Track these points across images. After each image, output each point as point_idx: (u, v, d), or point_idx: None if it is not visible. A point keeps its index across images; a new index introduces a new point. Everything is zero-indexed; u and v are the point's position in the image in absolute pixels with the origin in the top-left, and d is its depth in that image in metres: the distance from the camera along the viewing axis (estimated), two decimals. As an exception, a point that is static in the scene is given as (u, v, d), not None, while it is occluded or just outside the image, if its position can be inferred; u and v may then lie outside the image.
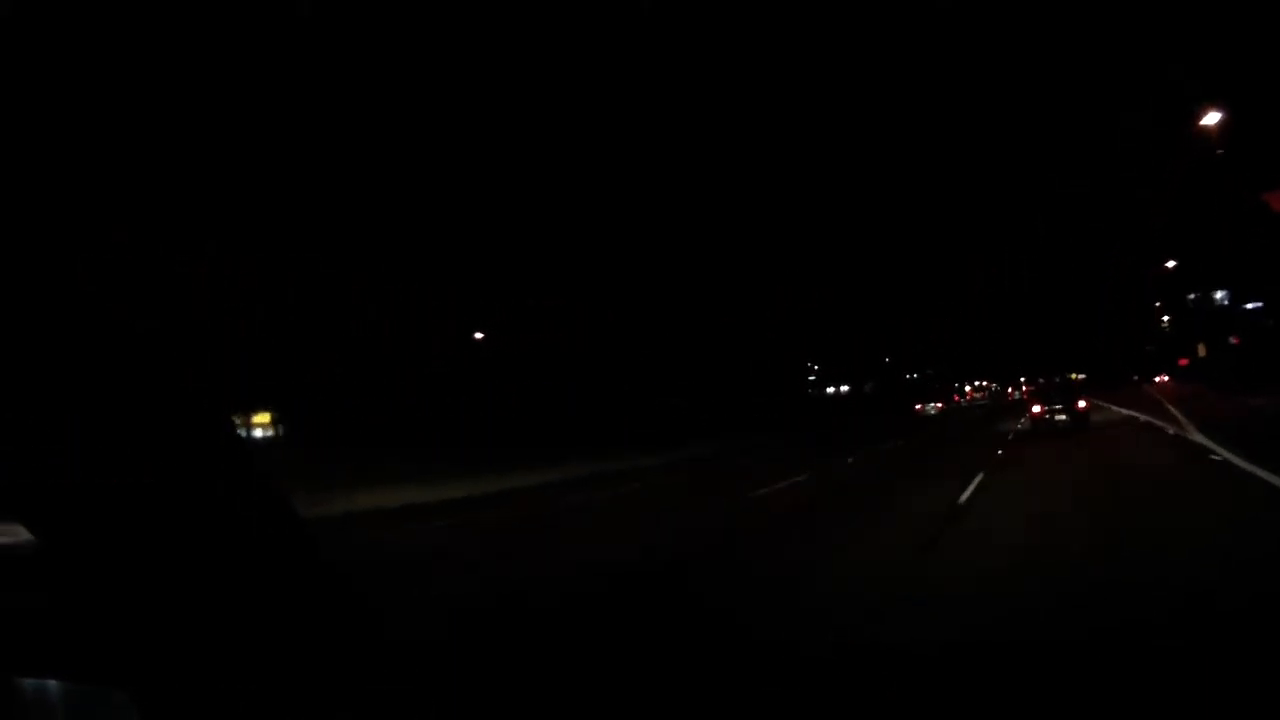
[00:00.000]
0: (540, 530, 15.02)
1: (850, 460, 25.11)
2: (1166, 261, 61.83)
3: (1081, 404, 31.32)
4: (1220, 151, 33.57)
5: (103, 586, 1.12)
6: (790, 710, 2.32)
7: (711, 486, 21.16)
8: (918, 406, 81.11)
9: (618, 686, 2.91)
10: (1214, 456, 14.86)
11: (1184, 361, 63.40)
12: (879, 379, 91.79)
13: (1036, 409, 32.56)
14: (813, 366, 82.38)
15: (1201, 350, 57.62)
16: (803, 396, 75.71)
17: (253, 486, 1.11)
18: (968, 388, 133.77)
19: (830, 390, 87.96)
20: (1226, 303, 66.23)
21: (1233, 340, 55.09)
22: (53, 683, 1.63)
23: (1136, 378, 79.31)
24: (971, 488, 14.20)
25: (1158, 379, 70.58)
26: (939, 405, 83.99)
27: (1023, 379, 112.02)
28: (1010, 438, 30.26)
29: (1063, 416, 30.86)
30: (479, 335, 44.20)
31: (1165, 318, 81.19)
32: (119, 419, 0.98)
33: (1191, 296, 71.60)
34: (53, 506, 1.01)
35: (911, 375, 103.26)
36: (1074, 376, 76.96)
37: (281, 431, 40.98)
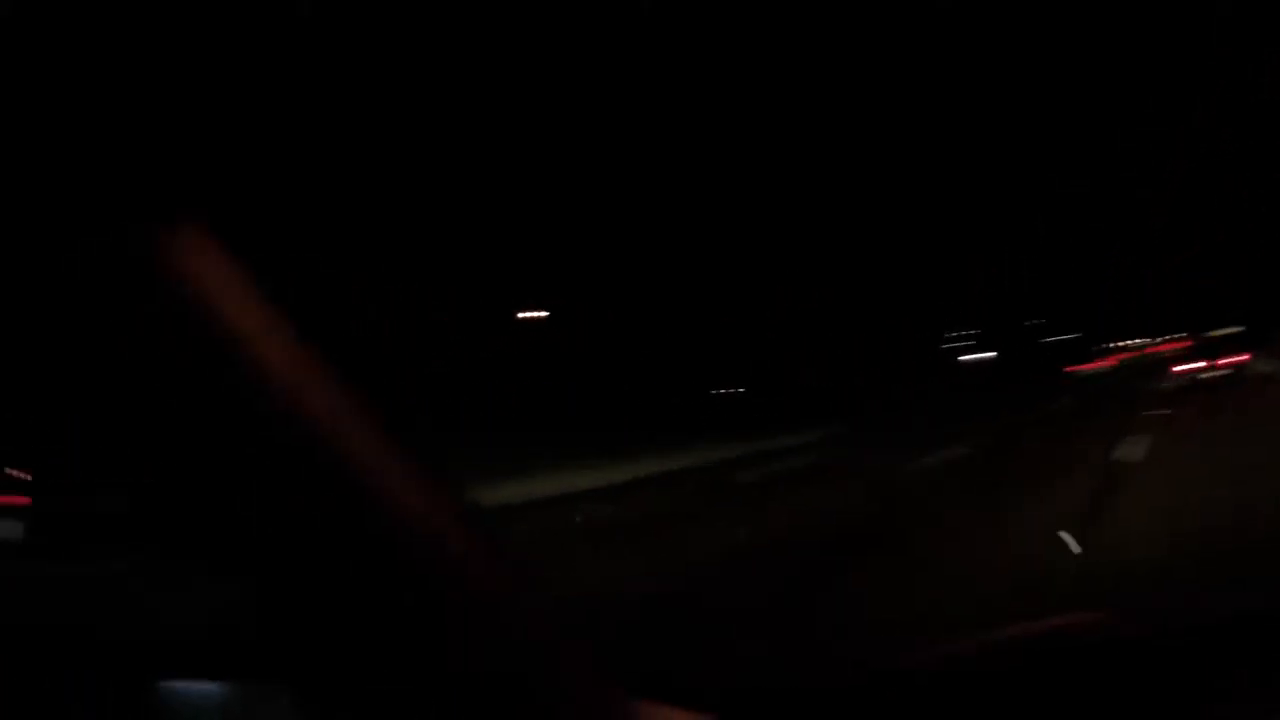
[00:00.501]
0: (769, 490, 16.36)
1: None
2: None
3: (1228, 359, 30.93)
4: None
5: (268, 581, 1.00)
6: None
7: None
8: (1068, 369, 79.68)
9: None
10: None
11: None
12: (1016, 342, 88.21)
13: (1185, 366, 32.15)
14: (948, 335, 79.54)
15: None
16: (942, 365, 73.96)
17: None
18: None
19: (966, 359, 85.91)
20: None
21: None
22: (208, 685, 1.59)
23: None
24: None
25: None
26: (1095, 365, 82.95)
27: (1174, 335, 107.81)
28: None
29: (1211, 374, 29.95)
30: (541, 314, 42.38)
31: None
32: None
33: None
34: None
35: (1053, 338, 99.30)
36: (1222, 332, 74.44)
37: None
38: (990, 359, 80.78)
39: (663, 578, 8.32)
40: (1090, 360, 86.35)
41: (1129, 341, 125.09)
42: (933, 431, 24.23)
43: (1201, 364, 31.34)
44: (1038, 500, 10.75)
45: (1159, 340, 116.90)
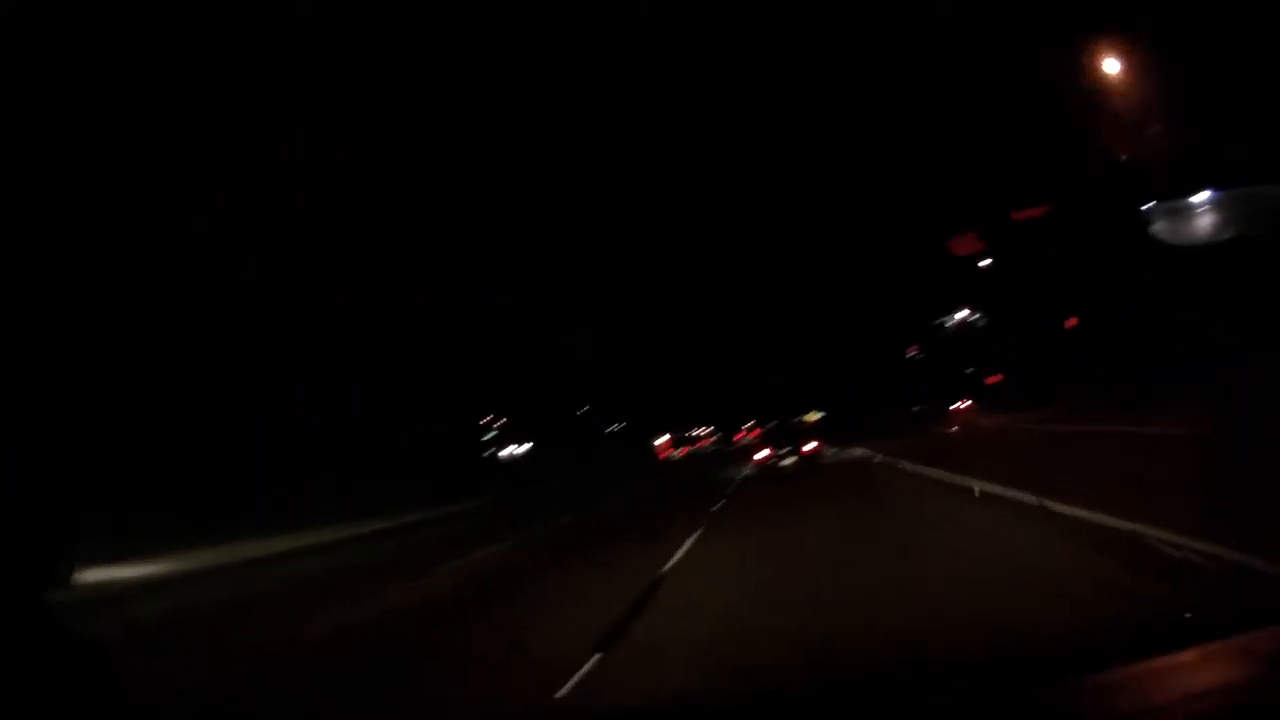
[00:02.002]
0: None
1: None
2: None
3: (809, 447, 30.11)
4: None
5: None
6: None
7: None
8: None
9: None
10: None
11: (995, 379, 55.71)
12: (568, 434, 76.37)
13: (764, 454, 31.77)
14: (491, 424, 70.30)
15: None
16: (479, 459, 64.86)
17: None
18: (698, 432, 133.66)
19: (508, 452, 73.58)
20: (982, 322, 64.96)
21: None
22: None
23: (918, 408, 67.61)
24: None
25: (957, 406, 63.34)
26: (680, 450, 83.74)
27: (752, 422, 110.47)
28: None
29: (791, 460, 30.47)
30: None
31: (911, 349, 78.32)
32: None
33: (939, 322, 69.99)
34: None
35: (612, 428, 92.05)
36: (808, 419, 77.46)
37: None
38: (528, 451, 72.50)
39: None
40: (655, 451, 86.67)
41: (699, 431, 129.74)
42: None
43: (779, 452, 32.23)
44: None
45: (735, 429, 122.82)
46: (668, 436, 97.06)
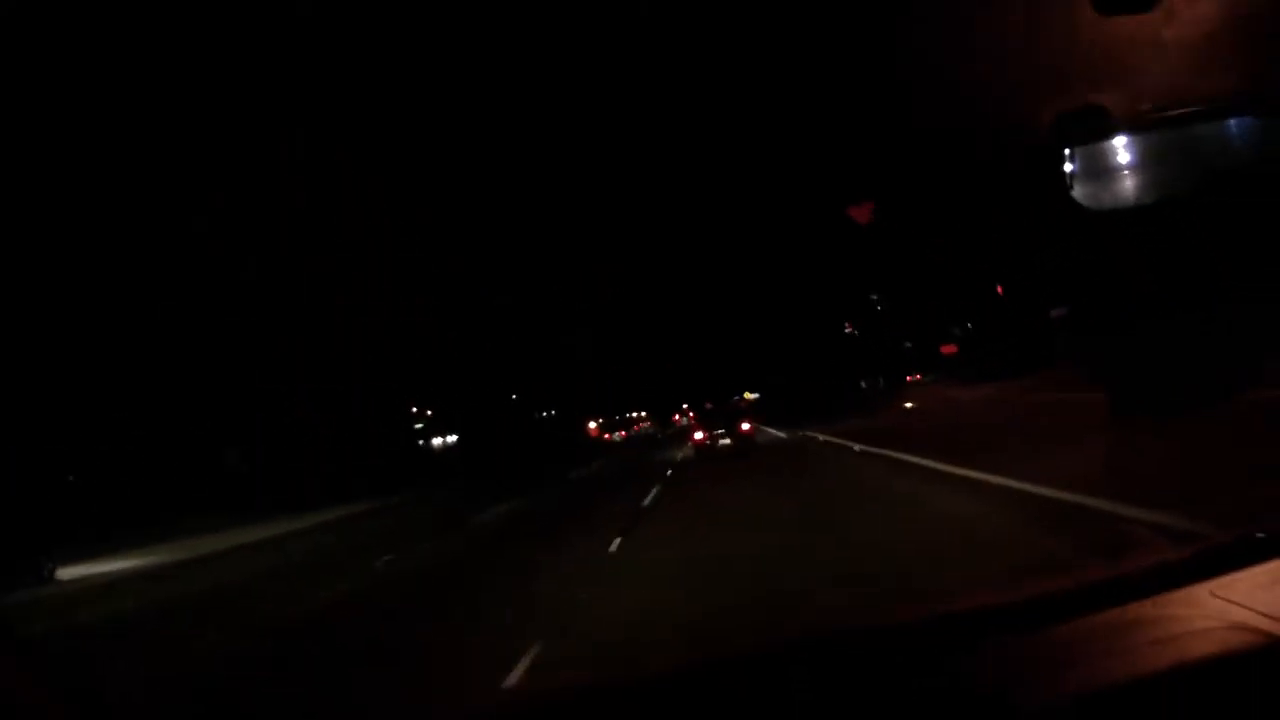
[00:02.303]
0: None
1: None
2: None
3: (745, 427, 30.12)
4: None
5: None
6: None
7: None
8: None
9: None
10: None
11: (950, 349, 52.44)
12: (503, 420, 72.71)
13: (699, 435, 31.91)
14: (419, 413, 67.99)
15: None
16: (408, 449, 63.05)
17: None
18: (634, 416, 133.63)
19: (439, 441, 71.17)
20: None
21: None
22: None
23: (866, 384, 64.78)
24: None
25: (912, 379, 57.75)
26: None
27: (685, 405, 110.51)
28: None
29: (727, 441, 30.62)
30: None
31: (848, 325, 77.14)
32: None
33: (874, 297, 68.87)
34: None
35: (545, 413, 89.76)
36: (745, 398, 77.74)
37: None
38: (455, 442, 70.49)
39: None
40: (587, 435, 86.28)
41: (636, 414, 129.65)
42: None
43: (714, 433, 32.42)
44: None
45: (672, 413, 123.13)
46: (598, 423, 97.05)
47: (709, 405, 59.42)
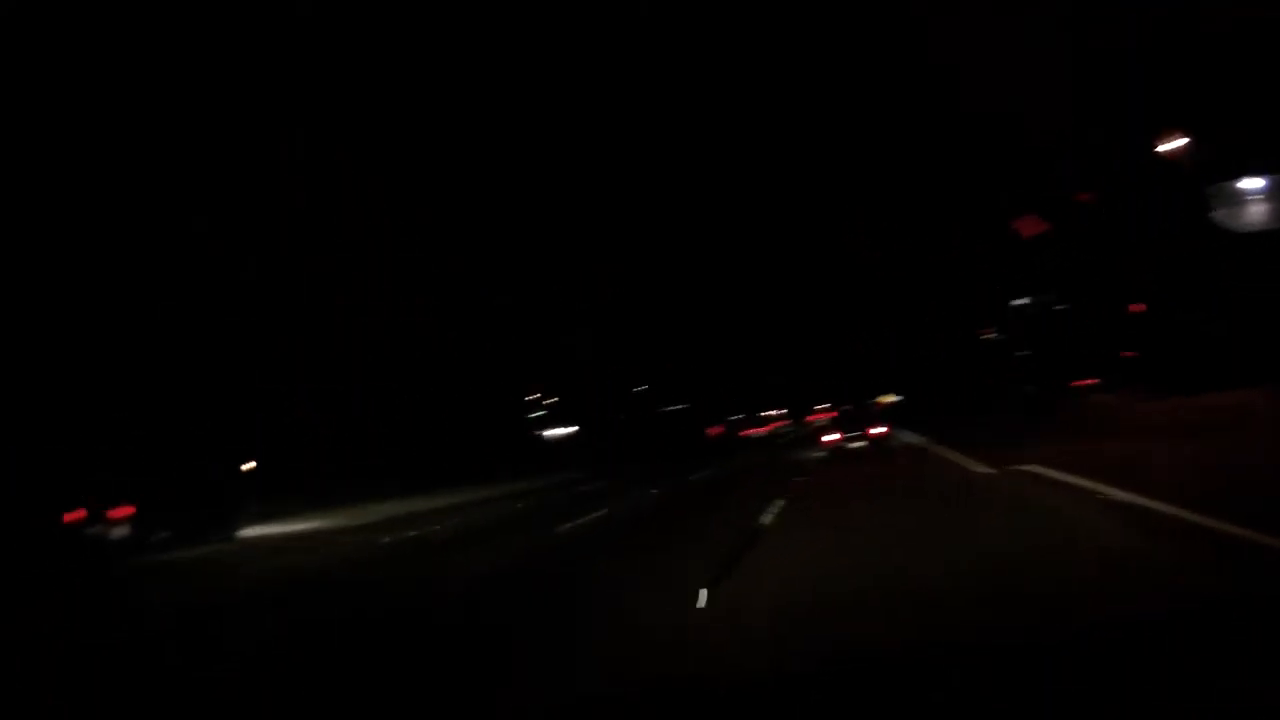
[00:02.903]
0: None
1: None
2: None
3: (878, 430, 31.14)
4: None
5: None
6: None
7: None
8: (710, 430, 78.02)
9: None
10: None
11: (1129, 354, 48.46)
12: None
13: (832, 436, 31.62)
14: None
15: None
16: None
17: None
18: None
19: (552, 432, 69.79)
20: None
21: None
22: None
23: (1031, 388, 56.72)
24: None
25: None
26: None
27: (827, 404, 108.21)
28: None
29: (860, 444, 30.65)
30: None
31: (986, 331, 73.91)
32: None
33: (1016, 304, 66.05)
34: None
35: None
36: (882, 400, 75.83)
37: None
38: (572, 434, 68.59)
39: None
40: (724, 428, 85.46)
41: (773, 412, 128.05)
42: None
43: (848, 435, 32.18)
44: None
45: (808, 410, 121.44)
46: (732, 419, 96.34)
47: (847, 407, 59.09)
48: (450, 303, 52.43)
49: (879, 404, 68.12)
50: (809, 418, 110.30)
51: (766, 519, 14.12)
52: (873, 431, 31.16)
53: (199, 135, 37.92)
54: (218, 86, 37.16)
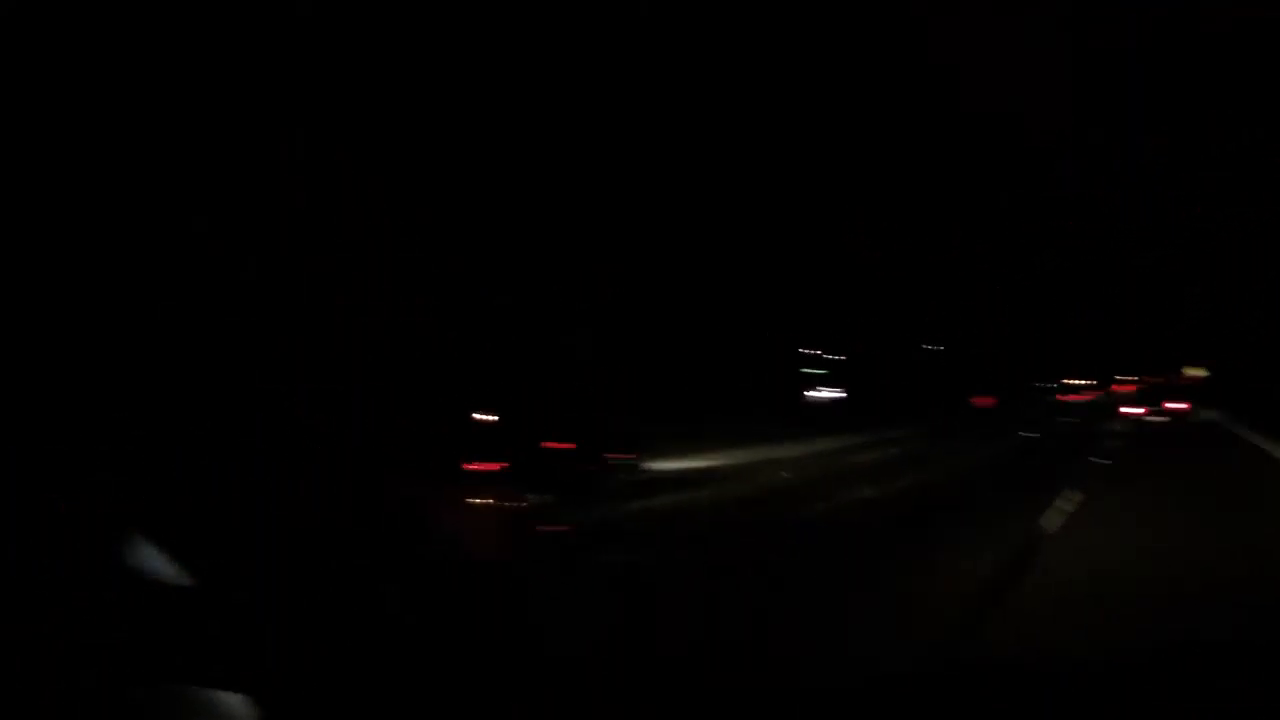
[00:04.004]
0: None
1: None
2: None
3: (1179, 405, 30.40)
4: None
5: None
6: None
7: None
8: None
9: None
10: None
11: None
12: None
13: (1132, 409, 30.84)
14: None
15: None
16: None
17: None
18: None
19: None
20: None
21: None
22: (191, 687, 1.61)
23: None
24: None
25: None
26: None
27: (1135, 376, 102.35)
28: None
29: (1160, 418, 29.60)
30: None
31: None
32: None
33: None
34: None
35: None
36: (1185, 373, 71.28)
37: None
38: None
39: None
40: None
41: (1076, 381, 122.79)
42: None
43: (1148, 408, 31.19)
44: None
45: (1113, 381, 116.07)
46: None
47: (1150, 379, 58.34)
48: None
49: (1185, 377, 65.47)
50: (1114, 388, 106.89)
51: (1066, 505, 13.00)
52: (1171, 406, 30.70)
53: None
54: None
